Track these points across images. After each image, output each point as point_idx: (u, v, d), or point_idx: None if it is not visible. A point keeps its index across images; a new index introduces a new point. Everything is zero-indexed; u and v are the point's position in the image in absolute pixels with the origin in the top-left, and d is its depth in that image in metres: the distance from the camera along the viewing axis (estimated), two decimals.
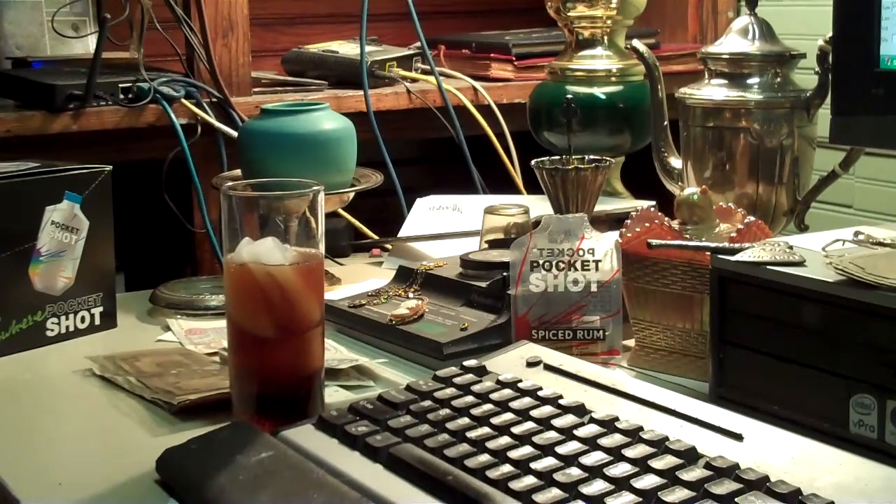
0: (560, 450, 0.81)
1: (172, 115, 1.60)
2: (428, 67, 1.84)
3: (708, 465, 0.77)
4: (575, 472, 0.77)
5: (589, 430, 0.84)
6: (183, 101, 1.63)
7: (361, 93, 1.74)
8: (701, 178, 1.39)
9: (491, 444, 0.83)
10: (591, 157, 1.28)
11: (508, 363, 1.00)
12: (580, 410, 0.88)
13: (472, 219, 1.49)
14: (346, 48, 1.86)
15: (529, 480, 0.77)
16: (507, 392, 0.92)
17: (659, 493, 0.74)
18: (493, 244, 1.33)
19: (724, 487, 0.74)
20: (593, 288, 1.12)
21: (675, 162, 1.45)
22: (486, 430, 0.86)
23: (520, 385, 0.93)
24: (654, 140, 1.47)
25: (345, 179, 1.44)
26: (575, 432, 0.83)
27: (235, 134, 1.57)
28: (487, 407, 0.90)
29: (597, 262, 1.12)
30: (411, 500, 0.79)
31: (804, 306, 0.94)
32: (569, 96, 1.43)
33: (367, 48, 1.78)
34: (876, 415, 0.89)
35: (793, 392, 0.95)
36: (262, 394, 0.97)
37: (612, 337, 1.12)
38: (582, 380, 0.94)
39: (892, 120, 1.12)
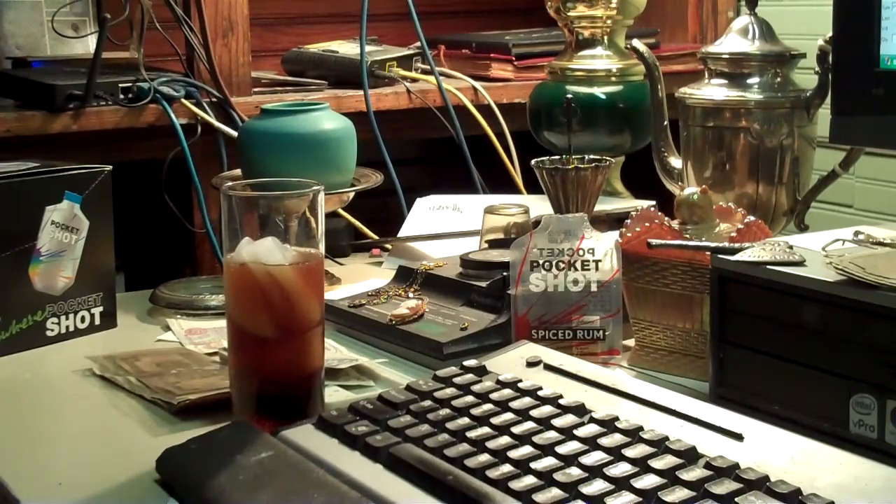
0: (560, 450, 0.81)
1: (172, 115, 1.60)
2: (428, 67, 1.84)
3: (708, 465, 0.77)
4: (575, 472, 0.77)
5: (589, 429, 0.84)
6: (183, 101, 1.63)
7: (361, 93, 1.74)
8: (701, 178, 1.39)
9: (491, 444, 0.83)
10: (591, 157, 1.28)
11: (508, 363, 1.00)
12: (580, 410, 0.88)
13: (472, 219, 1.49)
14: (346, 48, 1.86)
15: (529, 480, 0.77)
16: (507, 392, 0.92)
17: (659, 492, 0.74)
18: (493, 244, 1.33)
19: (724, 487, 0.74)
20: (593, 288, 1.12)
21: (675, 162, 1.45)
22: (486, 429, 0.86)
23: (520, 385, 0.93)
24: (654, 140, 1.47)
25: (345, 179, 1.44)
26: (575, 432, 0.83)
27: (235, 134, 1.57)
28: (487, 407, 0.90)
29: (597, 261, 1.12)
30: (411, 500, 0.79)
31: (804, 306, 0.94)
32: (569, 96, 1.43)
33: (367, 48, 1.78)
34: (876, 415, 0.89)
35: (793, 392, 0.95)
36: (262, 394, 0.97)
37: (612, 337, 1.12)
38: (582, 380, 0.94)
39: (892, 120, 1.12)
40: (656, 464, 0.77)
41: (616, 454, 0.80)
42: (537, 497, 0.75)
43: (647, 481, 0.75)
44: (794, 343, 0.95)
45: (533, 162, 1.28)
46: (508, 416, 0.88)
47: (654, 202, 1.35)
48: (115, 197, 1.31)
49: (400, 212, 1.69)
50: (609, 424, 0.84)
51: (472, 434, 0.85)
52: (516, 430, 0.85)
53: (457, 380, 0.95)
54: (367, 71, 1.76)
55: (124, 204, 1.38)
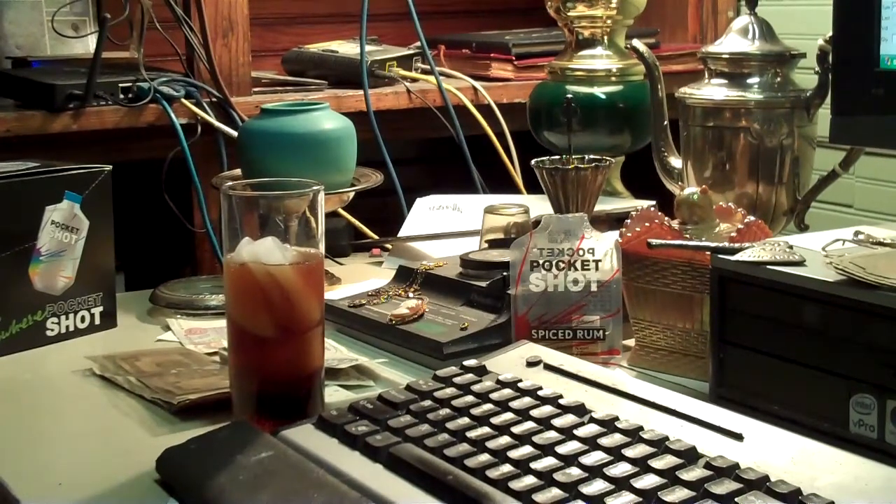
0: (560, 449, 0.81)
1: (172, 115, 1.60)
2: (428, 67, 1.84)
3: (708, 465, 0.77)
4: (575, 472, 0.77)
5: (589, 429, 0.84)
6: (183, 100, 1.63)
7: (361, 92, 1.74)
8: (701, 178, 1.39)
9: (491, 444, 0.83)
10: (591, 157, 1.28)
11: (508, 363, 1.00)
12: (580, 410, 0.88)
13: (472, 219, 1.49)
14: (346, 48, 1.86)
15: (529, 480, 0.77)
16: (507, 392, 0.92)
17: (659, 492, 0.74)
18: (493, 244, 1.33)
19: (724, 487, 0.74)
20: (593, 288, 1.12)
21: (675, 162, 1.45)
22: (486, 429, 0.86)
23: (520, 385, 0.93)
24: (654, 140, 1.47)
25: (345, 179, 1.44)
26: (575, 432, 0.83)
27: (235, 134, 1.57)
28: (487, 407, 0.90)
29: (597, 261, 1.12)
30: (411, 500, 0.79)
31: (804, 306, 0.94)
32: (569, 96, 1.43)
33: (367, 48, 1.78)
34: (876, 415, 0.89)
35: (793, 392, 0.95)
36: (262, 393, 0.97)
37: (612, 337, 1.12)
38: (582, 380, 0.94)
39: (892, 120, 1.12)
40: (656, 464, 0.77)
41: (616, 454, 0.80)
42: (537, 497, 0.75)
43: (647, 481, 0.75)
44: (794, 343, 0.95)
45: (533, 162, 1.28)
46: (508, 415, 0.87)
47: (654, 202, 1.35)
48: (115, 197, 1.31)
49: (400, 212, 1.69)
50: (609, 424, 0.84)
51: (472, 434, 0.85)
52: (516, 429, 0.85)
53: (457, 380, 0.95)
54: (367, 71, 1.76)
55: (124, 204, 1.38)
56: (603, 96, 1.60)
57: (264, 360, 0.97)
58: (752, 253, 0.99)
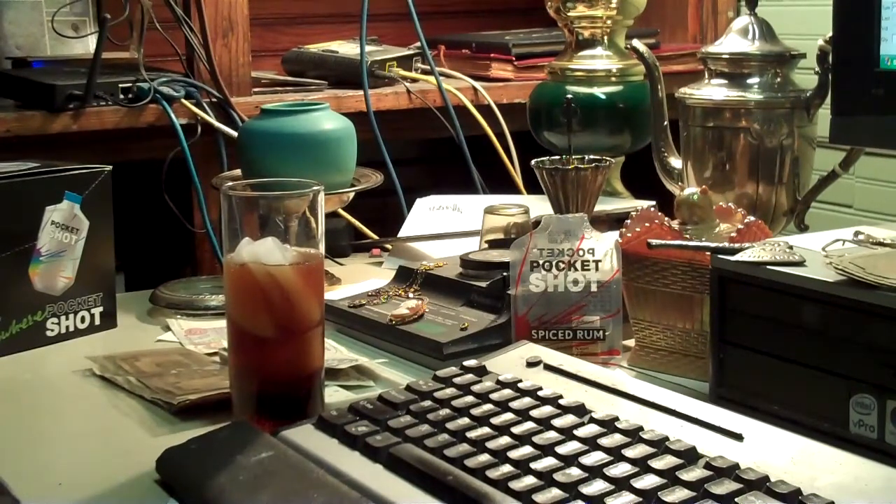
0: (560, 450, 0.81)
1: (172, 115, 1.60)
2: (428, 67, 1.84)
3: (708, 465, 0.77)
4: (575, 472, 0.77)
5: (589, 430, 0.84)
6: (183, 101, 1.63)
7: (361, 93, 1.74)
8: (701, 178, 1.39)
9: (491, 444, 0.83)
10: (591, 157, 1.28)
11: (508, 363, 1.00)
12: (580, 410, 0.88)
13: (472, 219, 1.49)
14: (346, 48, 1.86)
15: (529, 480, 0.77)
16: (507, 392, 0.92)
17: (659, 493, 0.74)
18: (493, 244, 1.33)
19: (724, 487, 0.74)
20: (593, 288, 1.12)
21: (675, 162, 1.45)
22: (486, 430, 0.86)
23: (520, 385, 0.93)
24: (654, 140, 1.47)
25: (345, 179, 1.44)
26: (575, 432, 0.83)
27: (235, 134, 1.57)
28: (487, 407, 0.90)
29: (597, 262, 1.12)
30: (411, 500, 0.79)
31: (804, 306, 0.94)
32: (569, 96, 1.43)
33: (367, 48, 1.78)
34: (876, 415, 0.89)
35: (793, 392, 0.95)
36: (262, 394, 0.97)
37: (612, 337, 1.12)
38: (582, 380, 0.94)
39: (892, 120, 1.12)
40: (656, 464, 0.77)
41: (616, 454, 0.80)
42: (537, 497, 0.75)
43: (647, 481, 0.75)
44: (794, 343, 0.95)
45: (533, 162, 1.28)
46: (508, 416, 0.87)
47: (654, 202, 1.36)
48: (115, 197, 1.31)
49: (400, 212, 1.69)
50: (609, 424, 0.84)
51: (472, 434, 0.85)
52: (516, 430, 0.85)
53: (457, 380, 0.95)
54: (367, 71, 1.76)
55: (124, 204, 1.38)
56: (603, 96, 1.60)
57: (264, 360, 0.97)
58: (752, 253, 0.99)
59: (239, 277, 0.96)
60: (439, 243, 1.52)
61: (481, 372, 0.98)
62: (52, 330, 1.26)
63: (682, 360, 1.13)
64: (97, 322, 1.30)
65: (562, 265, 1.12)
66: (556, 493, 0.75)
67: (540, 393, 0.91)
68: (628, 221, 1.15)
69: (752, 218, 1.11)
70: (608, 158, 1.28)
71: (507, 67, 1.89)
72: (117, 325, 1.32)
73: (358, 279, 1.44)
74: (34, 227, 1.24)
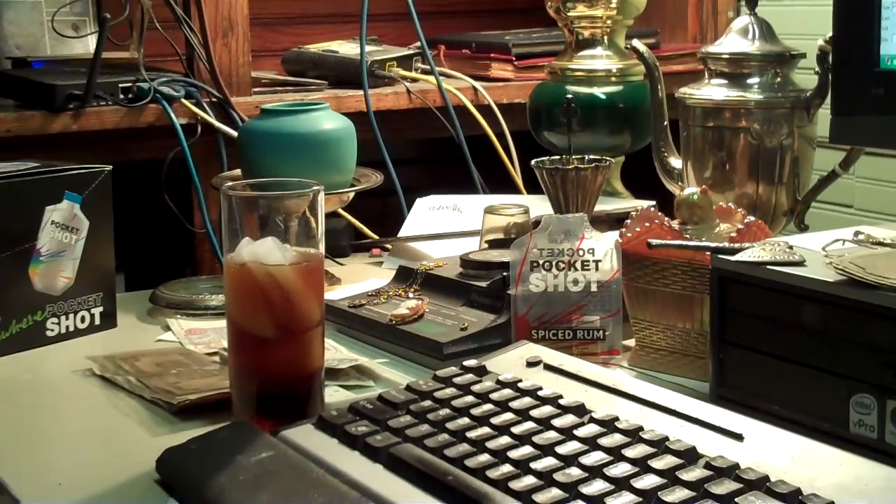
0: (560, 450, 0.81)
1: (172, 115, 1.60)
2: (428, 67, 1.84)
3: (708, 465, 0.77)
4: (575, 472, 0.77)
5: (589, 430, 0.84)
6: (183, 101, 1.63)
7: (361, 93, 1.74)
8: (701, 178, 1.39)
9: (491, 444, 0.83)
10: (591, 157, 1.28)
11: (508, 363, 1.00)
12: (580, 410, 0.88)
13: (472, 219, 1.49)
14: (346, 48, 1.86)
15: (529, 480, 0.77)
16: (507, 392, 0.92)
17: (659, 493, 0.74)
18: (493, 244, 1.33)
19: (724, 487, 0.74)
20: (593, 288, 1.12)
21: (675, 162, 1.45)
22: (486, 430, 0.86)
23: (520, 385, 0.93)
24: (654, 140, 1.47)
25: (345, 179, 1.44)
26: (575, 432, 0.83)
27: (235, 134, 1.57)
28: (487, 407, 0.90)
29: (597, 262, 1.12)
30: (411, 500, 0.79)
31: (804, 306, 0.94)
32: (569, 96, 1.43)
33: (367, 48, 1.78)
34: (876, 415, 0.89)
35: (793, 392, 0.95)
36: (262, 394, 0.97)
37: (612, 337, 1.12)
38: (582, 380, 0.94)
39: (892, 120, 1.12)
40: (656, 464, 0.77)
41: (616, 454, 0.80)
42: (537, 497, 0.75)
43: (647, 481, 0.75)
44: (794, 343, 0.95)
45: (533, 162, 1.28)
46: (508, 416, 0.87)
47: (654, 202, 1.36)
48: (115, 197, 1.31)
49: (400, 212, 1.69)
50: (609, 424, 0.84)
51: (472, 434, 0.85)
52: (516, 430, 0.85)
53: (457, 380, 0.95)
54: (367, 71, 1.76)
55: (124, 204, 1.38)
56: (603, 96, 1.60)
57: (264, 360, 0.97)
58: (752, 253, 0.99)
59: (239, 277, 0.96)
60: (439, 243, 1.52)
61: (481, 372, 0.98)
62: (52, 330, 1.26)
63: (682, 360, 1.13)
64: (97, 322, 1.30)
65: (562, 265, 1.12)
66: (556, 492, 0.75)
67: (540, 393, 0.91)
68: (628, 221, 1.15)
69: (752, 218, 1.11)
70: (608, 158, 1.28)
71: (507, 67, 1.89)
72: (117, 325, 1.32)
73: (358, 279, 1.44)
74: (34, 227, 1.24)
